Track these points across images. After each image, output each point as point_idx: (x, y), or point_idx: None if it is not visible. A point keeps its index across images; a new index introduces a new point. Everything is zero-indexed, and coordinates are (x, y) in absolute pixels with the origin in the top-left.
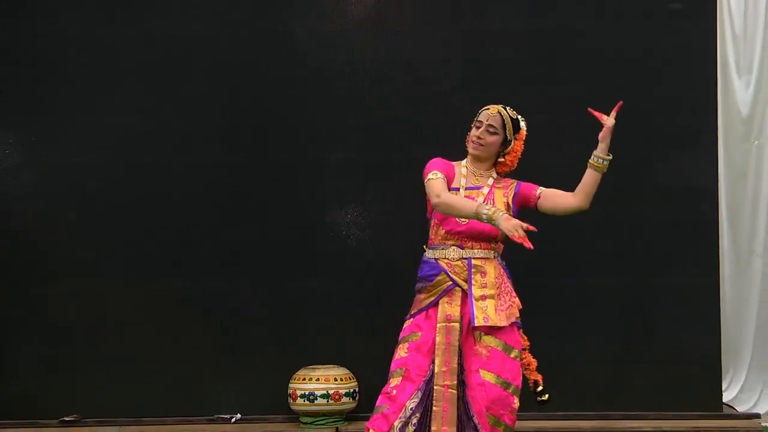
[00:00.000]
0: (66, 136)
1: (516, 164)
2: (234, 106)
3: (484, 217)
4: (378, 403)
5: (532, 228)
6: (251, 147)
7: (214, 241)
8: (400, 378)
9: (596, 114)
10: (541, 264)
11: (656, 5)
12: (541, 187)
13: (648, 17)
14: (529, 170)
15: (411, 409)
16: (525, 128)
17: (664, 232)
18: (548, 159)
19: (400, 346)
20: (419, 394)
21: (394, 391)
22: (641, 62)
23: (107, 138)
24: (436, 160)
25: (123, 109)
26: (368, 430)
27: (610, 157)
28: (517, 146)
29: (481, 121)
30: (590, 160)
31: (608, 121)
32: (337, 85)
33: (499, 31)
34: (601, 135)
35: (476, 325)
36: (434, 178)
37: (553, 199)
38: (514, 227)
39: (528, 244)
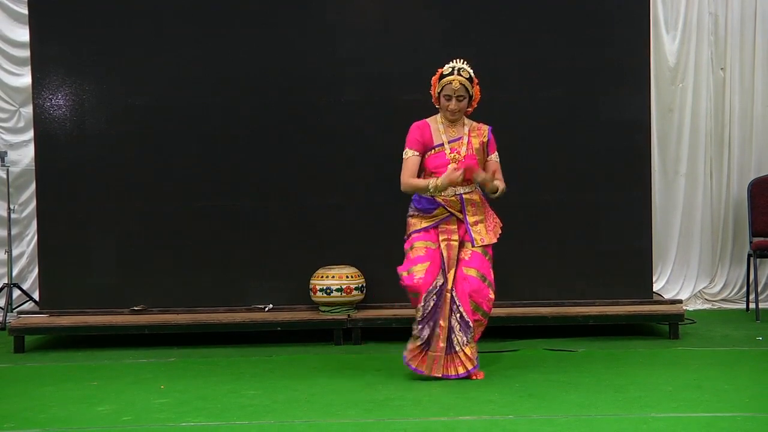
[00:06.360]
0: (132, 83)
1: (477, 103)
2: (269, 62)
3: (432, 189)
4: (406, 282)
5: (459, 171)
6: (277, 94)
7: (251, 169)
8: (424, 269)
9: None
10: (512, 185)
11: None
12: (494, 155)
13: None
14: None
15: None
16: (475, 77)
17: (607, 156)
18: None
19: (416, 247)
20: (436, 285)
21: (422, 274)
22: (592, 21)
23: (162, 84)
24: (414, 132)
25: (178, 61)
26: (407, 278)
27: (496, 195)
28: (476, 92)
29: (449, 95)
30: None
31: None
32: (344, 41)
33: None
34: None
35: (476, 245)
36: (407, 158)
37: (488, 171)
38: (450, 173)
39: (461, 168)
